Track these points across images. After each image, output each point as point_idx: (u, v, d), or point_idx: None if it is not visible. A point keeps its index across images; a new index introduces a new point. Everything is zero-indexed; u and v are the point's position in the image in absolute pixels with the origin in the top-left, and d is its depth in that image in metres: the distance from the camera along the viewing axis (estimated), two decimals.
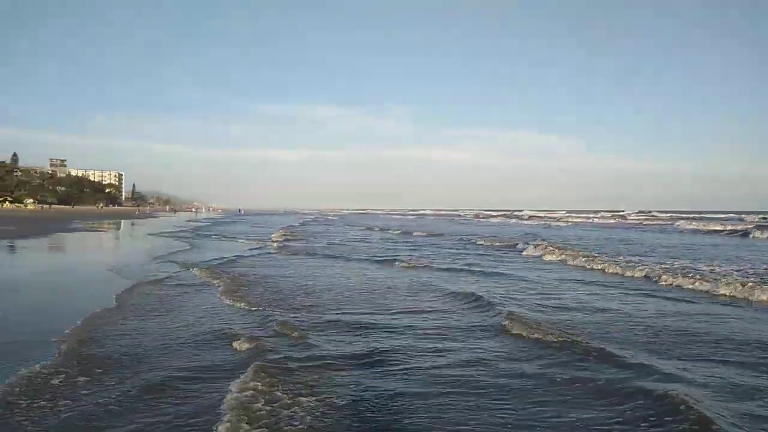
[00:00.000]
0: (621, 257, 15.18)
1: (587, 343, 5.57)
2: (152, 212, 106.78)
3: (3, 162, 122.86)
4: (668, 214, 66.25)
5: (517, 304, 7.85)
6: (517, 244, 20.40)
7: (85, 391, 4.04)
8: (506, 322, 6.45)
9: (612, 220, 56.38)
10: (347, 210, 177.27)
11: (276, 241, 22.13)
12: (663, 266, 12.53)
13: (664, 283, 10.51)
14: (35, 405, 3.76)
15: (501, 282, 10.56)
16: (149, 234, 29.27)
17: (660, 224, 45.13)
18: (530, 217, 66.03)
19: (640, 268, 12.31)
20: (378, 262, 14.71)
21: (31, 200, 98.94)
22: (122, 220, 53.17)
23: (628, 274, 12.01)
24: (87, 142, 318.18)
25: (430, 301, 8.40)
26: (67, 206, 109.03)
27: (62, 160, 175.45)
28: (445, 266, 13.55)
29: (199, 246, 20.10)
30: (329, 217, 74.66)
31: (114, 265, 12.59)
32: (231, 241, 23.42)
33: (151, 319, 6.71)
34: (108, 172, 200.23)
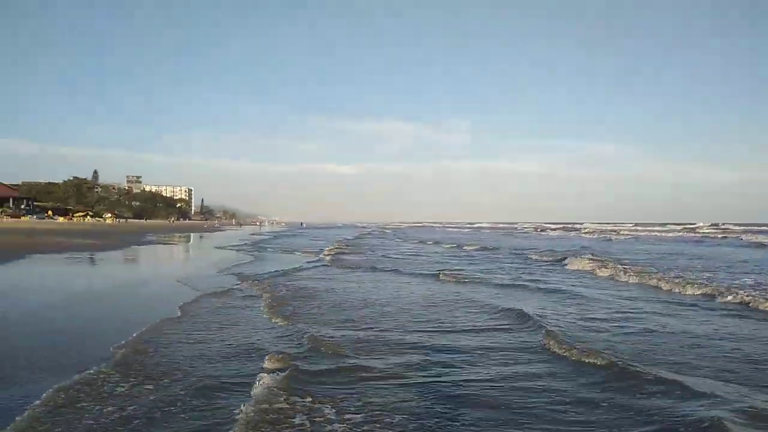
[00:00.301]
0: (678, 273, 14.73)
1: (632, 365, 5.35)
2: (219, 226, 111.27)
3: (85, 179, 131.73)
4: (742, 227, 62.86)
5: (560, 322, 7.88)
6: (565, 258, 20.05)
7: (112, 400, 4.33)
8: (546, 341, 6.46)
9: (677, 234, 54.02)
10: (405, 223, 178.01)
11: (328, 255, 22.90)
12: (725, 283, 12.18)
13: (723, 299, 10.14)
14: (70, 407, 4.13)
15: (546, 297, 10.67)
16: (216, 247, 30.86)
17: (727, 237, 42.94)
18: (592, 231, 64.25)
19: (698, 284, 11.84)
20: (422, 275, 15.02)
21: (110, 214, 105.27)
22: (191, 234, 55.93)
23: (686, 291, 11.50)
24: (160, 159, 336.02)
25: (470, 316, 8.55)
26: (141, 220, 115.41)
27: (138, 177, 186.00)
28: (492, 280, 13.70)
29: (260, 258, 21.23)
30: (385, 231, 75.38)
31: (183, 277, 13.56)
32: (289, 254, 24.43)
33: (206, 330, 7.22)
34: (179, 188, 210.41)
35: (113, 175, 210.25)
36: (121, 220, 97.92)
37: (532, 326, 7.48)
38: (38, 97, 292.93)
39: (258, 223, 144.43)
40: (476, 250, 28.12)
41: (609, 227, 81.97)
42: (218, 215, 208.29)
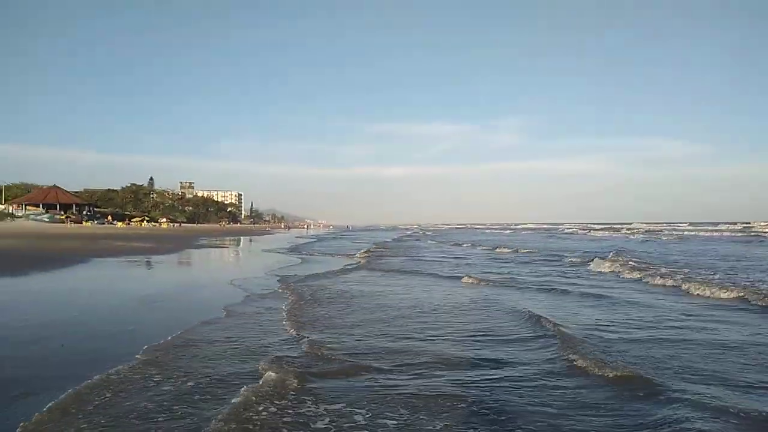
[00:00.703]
0: (715, 275, 14.30)
1: (652, 378, 5.13)
2: (269, 229, 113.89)
3: (142, 186, 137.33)
4: None
5: (577, 328, 7.62)
6: (592, 260, 19.38)
7: (124, 393, 4.63)
8: (559, 348, 6.32)
9: (728, 234, 51.63)
10: (448, 225, 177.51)
11: (361, 258, 23.55)
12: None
13: (761, 304, 9.77)
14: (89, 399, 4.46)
15: (567, 301, 10.64)
16: (264, 250, 31.84)
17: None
18: (644, 231, 62.35)
19: (732, 288, 11.30)
20: (445, 278, 15.27)
21: (164, 219, 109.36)
22: (242, 237, 57.62)
23: (721, 294, 10.96)
24: (212, 165, 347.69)
25: (485, 320, 8.48)
26: (194, 224, 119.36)
27: (190, 183, 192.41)
28: (516, 283, 13.68)
29: (305, 261, 21.95)
30: (426, 233, 75.34)
31: (233, 279, 14.16)
32: (328, 257, 25.25)
33: (239, 329, 7.47)
34: (229, 192, 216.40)
35: (168, 180, 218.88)
36: (175, 225, 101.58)
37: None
38: (97, 109, 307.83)
39: (306, 227, 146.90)
40: (510, 252, 27.88)
41: (661, 227, 79.47)
42: (267, 219, 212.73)
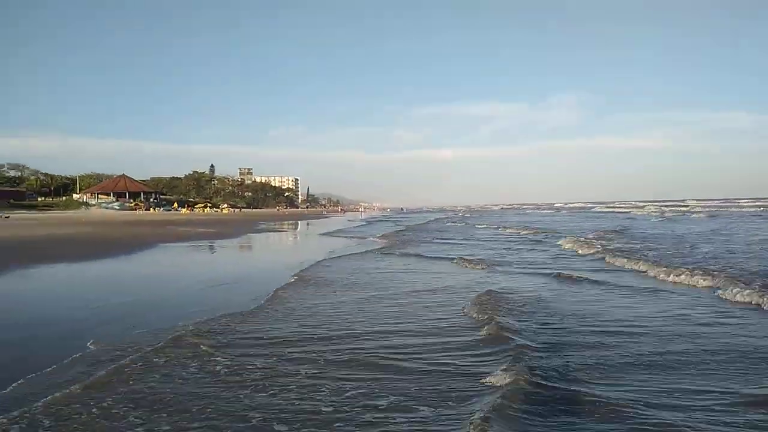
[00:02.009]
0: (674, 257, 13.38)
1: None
2: (325, 213, 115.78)
3: (203, 173, 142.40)
4: None
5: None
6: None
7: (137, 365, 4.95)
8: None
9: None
10: (498, 205, 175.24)
11: (380, 239, 24.62)
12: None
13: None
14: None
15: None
16: (321, 234, 32.43)
17: None
18: (698, 209, 59.23)
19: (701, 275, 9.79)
20: (432, 258, 15.43)
21: (225, 205, 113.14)
22: (299, 221, 58.93)
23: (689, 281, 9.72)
24: (269, 151, 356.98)
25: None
26: (254, 209, 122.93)
27: (249, 169, 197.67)
28: (507, 265, 13.51)
29: (360, 243, 22.12)
30: (466, 215, 74.10)
31: (288, 263, 14.56)
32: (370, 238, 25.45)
33: (280, 317, 7.34)
34: (287, 177, 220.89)
35: (228, 167, 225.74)
36: (235, 210, 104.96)
37: None
38: (161, 102, 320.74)
39: (361, 210, 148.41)
40: (514, 231, 28.65)
41: (717, 203, 75.83)
42: (323, 203, 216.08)
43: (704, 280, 9.44)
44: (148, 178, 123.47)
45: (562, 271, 11.41)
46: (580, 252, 16.25)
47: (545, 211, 79.25)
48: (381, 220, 57.50)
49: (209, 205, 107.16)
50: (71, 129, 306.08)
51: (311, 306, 8.04)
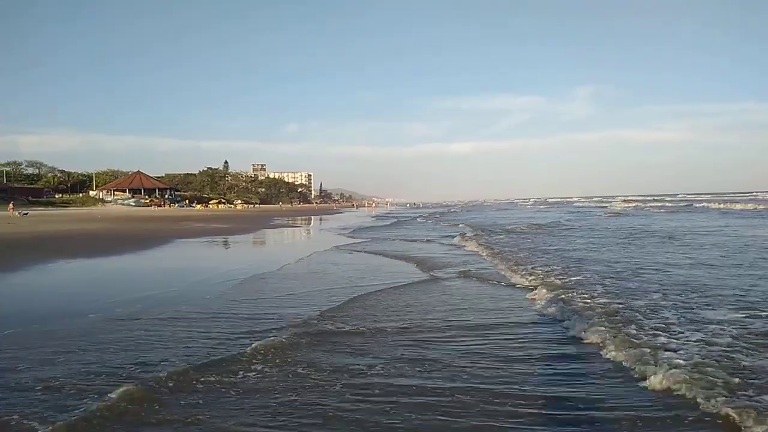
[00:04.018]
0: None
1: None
2: (337, 208, 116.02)
3: (217, 169, 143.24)
4: None
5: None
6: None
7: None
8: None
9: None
10: (509, 199, 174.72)
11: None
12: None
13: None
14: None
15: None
16: (331, 229, 32.42)
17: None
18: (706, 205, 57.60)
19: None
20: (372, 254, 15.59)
21: (239, 201, 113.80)
22: (312, 216, 59.17)
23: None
24: (282, 147, 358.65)
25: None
26: (267, 205, 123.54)
27: (262, 165, 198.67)
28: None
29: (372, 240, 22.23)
30: (467, 208, 73.40)
31: (299, 258, 14.70)
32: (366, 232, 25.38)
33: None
34: (300, 173, 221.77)
35: (241, 163, 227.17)
36: (249, 206, 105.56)
37: None
38: (175, 98, 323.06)
39: (373, 205, 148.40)
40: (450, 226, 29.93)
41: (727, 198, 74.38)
42: (336, 198, 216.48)
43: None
44: (163, 175, 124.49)
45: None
46: (457, 243, 18.14)
47: (540, 206, 78.34)
48: (389, 217, 57.18)
49: (223, 201, 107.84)
50: (87, 126, 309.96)
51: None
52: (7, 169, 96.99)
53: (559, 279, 9.29)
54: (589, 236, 19.35)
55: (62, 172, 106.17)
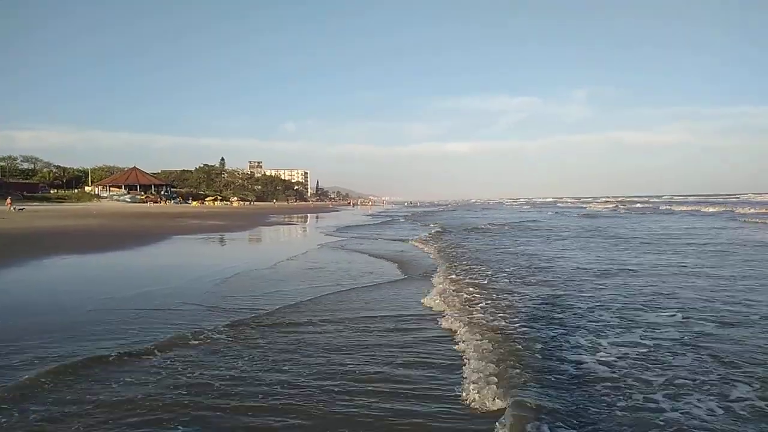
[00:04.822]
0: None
1: None
2: (333, 207, 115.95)
3: (213, 166, 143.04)
4: None
5: None
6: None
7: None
8: None
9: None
10: (502, 199, 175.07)
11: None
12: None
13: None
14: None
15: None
16: (325, 227, 32.49)
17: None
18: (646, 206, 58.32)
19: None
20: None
21: (235, 198, 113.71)
22: (308, 214, 59.14)
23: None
24: (279, 145, 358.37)
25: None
26: (263, 202, 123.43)
27: (259, 162, 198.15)
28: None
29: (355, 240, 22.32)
30: (455, 208, 73.36)
31: (294, 255, 14.74)
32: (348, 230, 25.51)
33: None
34: (296, 171, 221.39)
35: (238, 160, 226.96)
36: (245, 203, 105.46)
37: None
38: (172, 95, 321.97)
39: (370, 204, 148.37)
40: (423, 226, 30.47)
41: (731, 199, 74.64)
42: (332, 196, 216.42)
43: None
44: (159, 171, 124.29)
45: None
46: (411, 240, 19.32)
47: (524, 207, 78.77)
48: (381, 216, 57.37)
49: (219, 198, 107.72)
50: (84, 122, 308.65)
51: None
52: (2, 164, 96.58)
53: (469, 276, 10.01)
54: (541, 235, 21.10)
55: (58, 167, 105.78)
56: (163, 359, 5.16)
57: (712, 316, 6.54)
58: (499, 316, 6.56)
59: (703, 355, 5.04)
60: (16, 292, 9.10)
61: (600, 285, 8.88)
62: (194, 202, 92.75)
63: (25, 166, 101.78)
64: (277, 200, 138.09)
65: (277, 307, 7.55)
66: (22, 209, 44.70)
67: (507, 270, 10.73)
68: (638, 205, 65.08)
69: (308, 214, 58.65)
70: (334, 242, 19.66)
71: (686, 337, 5.62)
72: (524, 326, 6.09)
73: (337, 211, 78.48)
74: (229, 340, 5.82)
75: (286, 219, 44.76)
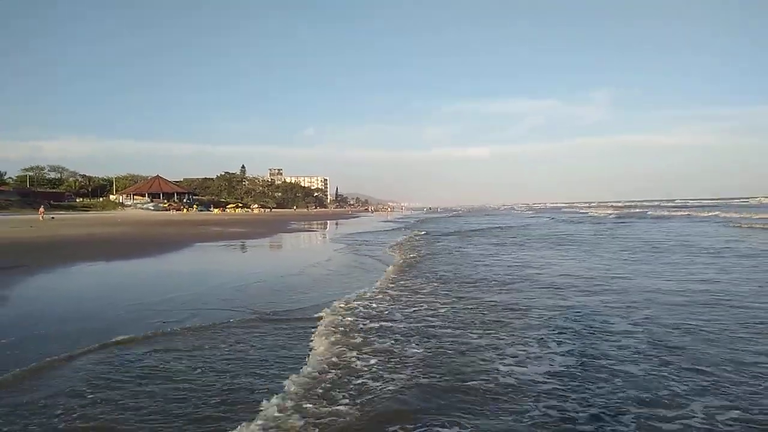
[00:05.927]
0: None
1: None
2: (353, 213, 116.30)
3: (234, 173, 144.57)
4: None
5: None
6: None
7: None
8: None
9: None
10: (527, 205, 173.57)
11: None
12: None
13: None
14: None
15: None
16: (346, 234, 32.64)
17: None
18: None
19: None
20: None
21: (256, 205, 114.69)
22: (328, 221, 59.47)
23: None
24: (299, 151, 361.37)
25: None
26: (283, 209, 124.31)
27: (279, 169, 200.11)
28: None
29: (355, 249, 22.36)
30: (463, 213, 73.25)
31: (316, 263, 14.87)
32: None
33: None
34: (316, 177, 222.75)
35: (258, 168, 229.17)
36: (266, 210, 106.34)
37: None
38: (194, 104, 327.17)
39: (389, 209, 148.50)
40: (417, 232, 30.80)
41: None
42: (351, 203, 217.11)
43: None
44: (181, 179, 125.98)
45: None
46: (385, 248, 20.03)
47: (528, 212, 78.44)
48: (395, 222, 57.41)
49: (240, 205, 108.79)
50: (108, 132, 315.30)
51: None
52: (30, 173, 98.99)
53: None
54: (525, 240, 22.47)
55: (83, 176, 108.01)
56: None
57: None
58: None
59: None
60: (46, 299, 9.39)
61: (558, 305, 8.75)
62: (216, 210, 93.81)
63: (52, 175, 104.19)
64: (297, 207, 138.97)
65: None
66: (53, 218, 45.82)
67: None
68: (621, 209, 63.44)
69: (327, 221, 59.01)
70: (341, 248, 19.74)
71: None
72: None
73: (357, 217, 78.77)
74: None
75: (306, 226, 45.07)
